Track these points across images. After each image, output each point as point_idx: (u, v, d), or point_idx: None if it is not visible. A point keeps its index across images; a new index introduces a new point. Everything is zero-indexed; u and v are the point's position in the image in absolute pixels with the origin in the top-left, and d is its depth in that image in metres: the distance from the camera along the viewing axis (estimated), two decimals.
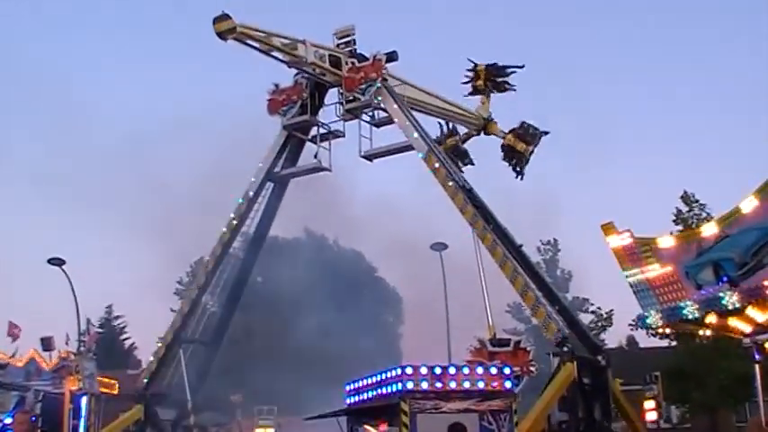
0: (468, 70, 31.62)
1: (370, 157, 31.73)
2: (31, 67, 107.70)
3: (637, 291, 18.60)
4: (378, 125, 31.55)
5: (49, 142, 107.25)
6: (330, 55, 30.89)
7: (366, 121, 31.65)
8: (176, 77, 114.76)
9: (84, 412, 28.84)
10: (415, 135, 29.35)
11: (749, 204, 16.57)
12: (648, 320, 18.33)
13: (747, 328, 17.35)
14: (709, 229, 17.47)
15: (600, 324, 41.68)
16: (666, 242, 18.54)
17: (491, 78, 31.79)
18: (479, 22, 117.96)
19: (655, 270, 18.15)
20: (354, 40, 31.59)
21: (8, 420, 24.25)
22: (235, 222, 32.29)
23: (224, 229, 32.25)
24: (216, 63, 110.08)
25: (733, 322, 17.15)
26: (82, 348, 32.76)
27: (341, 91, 31.30)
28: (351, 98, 30.98)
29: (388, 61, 30.78)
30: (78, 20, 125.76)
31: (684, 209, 38.26)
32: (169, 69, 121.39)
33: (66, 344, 30.69)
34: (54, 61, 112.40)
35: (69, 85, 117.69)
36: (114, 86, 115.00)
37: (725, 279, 16.10)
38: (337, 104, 31.87)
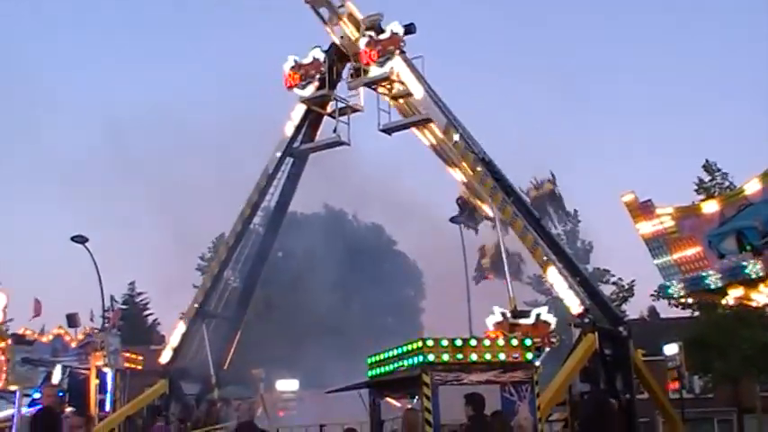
0: None
1: (388, 130, 31.63)
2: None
3: (659, 263, 18.48)
4: (396, 98, 31.43)
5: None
6: None
7: (384, 94, 31.55)
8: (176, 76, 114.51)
9: (109, 387, 29.06)
10: (434, 107, 29.24)
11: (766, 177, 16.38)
12: (670, 291, 18.22)
13: (762, 301, 17.24)
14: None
15: (621, 295, 41.54)
16: (688, 211, 18.40)
17: None
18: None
19: (677, 240, 18.02)
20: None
21: (37, 395, 24.46)
22: (255, 198, 32.36)
23: (244, 205, 32.35)
24: (214, 62, 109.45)
25: (755, 292, 17.03)
26: (106, 325, 32.92)
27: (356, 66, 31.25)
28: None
29: (406, 34, 30.60)
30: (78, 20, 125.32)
31: (707, 178, 37.92)
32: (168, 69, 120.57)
33: (91, 320, 30.97)
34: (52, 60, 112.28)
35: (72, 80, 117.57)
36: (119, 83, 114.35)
37: (748, 248, 15.98)
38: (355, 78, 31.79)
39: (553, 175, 31.73)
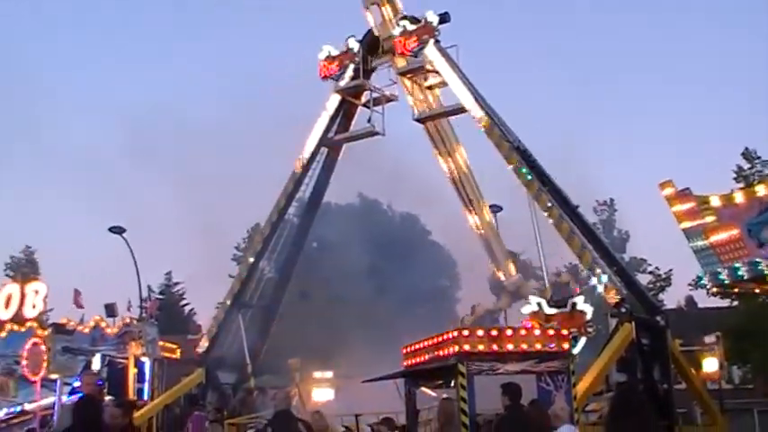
0: None
1: (423, 120, 31.59)
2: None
3: (697, 250, 18.31)
4: (431, 87, 31.37)
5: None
6: None
7: (419, 84, 31.51)
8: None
9: (147, 376, 29.25)
10: (469, 96, 29.11)
11: None
12: (702, 281, 18.08)
13: None
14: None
15: (658, 284, 41.26)
16: (727, 200, 18.20)
17: None
18: None
19: (715, 228, 17.85)
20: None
21: (77, 384, 24.68)
22: (290, 188, 32.42)
23: (279, 195, 32.43)
24: (218, 58, 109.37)
25: None
26: (144, 314, 33.14)
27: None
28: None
29: (440, 23, 30.50)
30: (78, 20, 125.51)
31: (746, 166, 37.50)
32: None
33: (129, 310, 31.26)
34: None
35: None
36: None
37: None
38: (390, 68, 31.78)
39: None
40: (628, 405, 11.10)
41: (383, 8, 31.88)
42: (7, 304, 28.11)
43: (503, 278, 32.32)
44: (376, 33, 31.89)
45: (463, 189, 32.53)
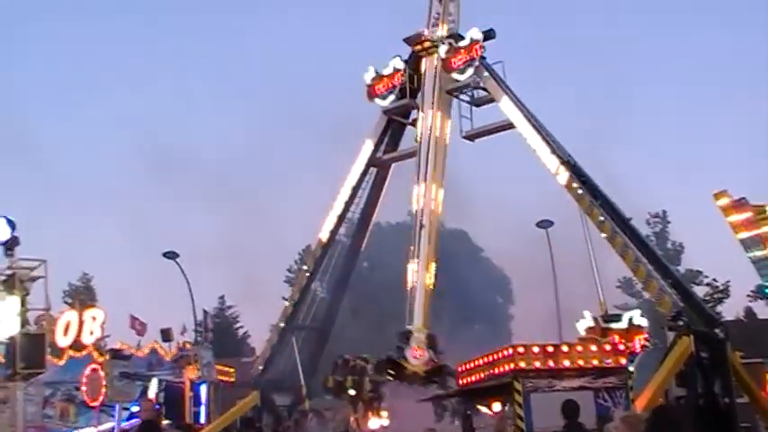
0: None
1: (471, 137, 31.48)
2: None
3: (755, 260, 18.04)
4: (478, 104, 31.25)
5: None
6: None
7: (466, 102, 31.39)
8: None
9: (203, 399, 29.36)
10: (517, 112, 28.95)
11: None
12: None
13: None
14: None
15: (715, 296, 40.65)
16: None
17: None
18: None
19: None
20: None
21: (135, 408, 24.86)
22: (340, 209, 32.50)
23: (329, 217, 32.51)
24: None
25: None
26: (199, 339, 33.32)
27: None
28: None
29: (485, 39, 30.41)
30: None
31: None
32: None
33: (183, 334, 31.38)
34: None
35: None
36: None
37: None
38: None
39: None
40: (662, 424, 10.92)
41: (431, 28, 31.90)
42: (66, 331, 28.40)
43: None
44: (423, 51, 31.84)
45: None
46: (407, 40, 32.26)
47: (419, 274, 28.41)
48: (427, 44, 31.74)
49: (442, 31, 31.52)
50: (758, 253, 17.54)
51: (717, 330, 24.11)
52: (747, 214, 17.72)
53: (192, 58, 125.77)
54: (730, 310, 42.23)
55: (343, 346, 36.08)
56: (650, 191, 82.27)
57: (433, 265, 29.00)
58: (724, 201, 18.50)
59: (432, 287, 28.98)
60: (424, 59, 31.88)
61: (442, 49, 30.91)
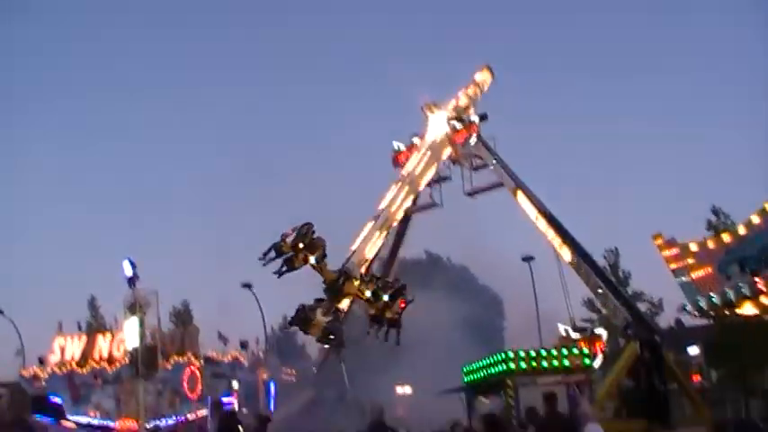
0: None
1: (472, 193, 32.27)
2: None
3: (681, 284, 18.70)
4: (476, 169, 32.07)
5: None
6: None
7: (467, 167, 32.31)
8: None
9: (273, 394, 30.03)
10: (504, 174, 29.81)
11: (758, 216, 16.59)
12: (700, 304, 18.41)
13: (760, 310, 17.32)
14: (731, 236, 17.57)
15: (653, 311, 40.90)
16: (702, 246, 18.61)
17: None
18: None
19: (694, 267, 18.25)
20: None
21: (225, 399, 25.71)
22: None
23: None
24: None
25: (750, 306, 17.14)
26: (268, 348, 33.99)
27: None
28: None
29: (481, 120, 31.34)
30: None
31: (714, 219, 37.89)
32: None
33: (257, 344, 31.98)
34: None
35: None
36: None
37: (747, 270, 16.19)
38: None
39: None
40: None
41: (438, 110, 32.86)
42: (172, 342, 29.18)
43: None
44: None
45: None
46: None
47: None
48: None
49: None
50: (684, 279, 18.23)
51: (656, 337, 24.59)
52: (676, 250, 18.45)
53: None
54: (664, 321, 42.56)
55: (376, 356, 36.73)
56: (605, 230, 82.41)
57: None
58: (659, 241, 19.24)
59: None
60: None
61: (449, 128, 31.96)
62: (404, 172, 32.35)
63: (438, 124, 32.66)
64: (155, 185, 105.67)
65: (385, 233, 31.55)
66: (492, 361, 21.84)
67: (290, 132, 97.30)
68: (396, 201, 29.43)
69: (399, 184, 30.75)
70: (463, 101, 32.74)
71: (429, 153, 32.35)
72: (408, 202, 31.57)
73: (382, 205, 27.35)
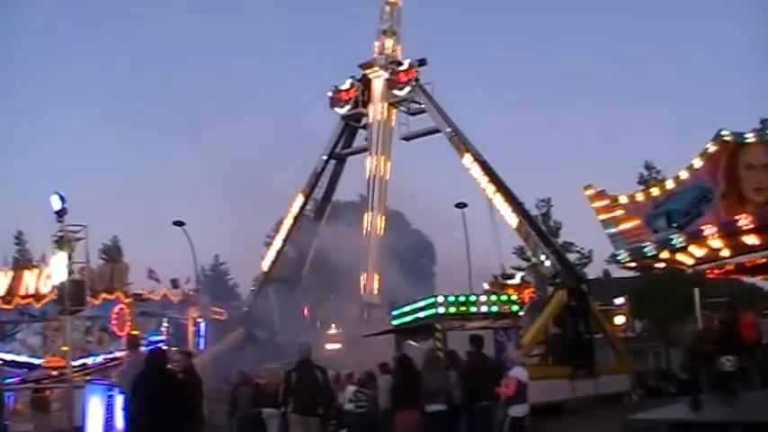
0: None
1: (408, 138, 32.28)
2: None
3: (610, 235, 18.89)
4: (413, 114, 32.03)
5: None
6: None
7: (404, 112, 32.20)
8: None
9: (203, 333, 29.91)
10: (441, 120, 29.84)
11: (687, 172, 16.75)
12: (619, 257, 18.64)
13: (690, 261, 17.61)
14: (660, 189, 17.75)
15: (583, 261, 41.69)
16: (631, 198, 18.79)
17: None
18: None
19: (623, 219, 18.43)
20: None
21: (155, 337, 25.49)
22: (307, 190, 33.28)
23: (299, 195, 33.24)
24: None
25: (679, 257, 17.42)
26: (199, 286, 33.63)
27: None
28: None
29: (420, 65, 31.30)
30: None
31: (645, 173, 38.62)
32: None
33: (187, 283, 31.71)
34: None
35: None
36: None
37: (674, 224, 16.42)
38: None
39: None
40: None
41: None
42: (101, 278, 28.67)
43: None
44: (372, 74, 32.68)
45: (372, 192, 32.57)
46: (362, 66, 32.99)
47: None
48: (376, 68, 32.55)
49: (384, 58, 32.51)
50: (612, 230, 18.38)
51: (583, 286, 25.12)
52: (605, 201, 18.54)
53: None
54: (593, 271, 43.47)
55: (307, 294, 36.73)
56: (539, 180, 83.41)
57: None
58: (590, 191, 19.31)
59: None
60: (373, 80, 32.72)
61: (388, 72, 31.88)
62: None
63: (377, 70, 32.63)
64: (82, 121, 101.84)
65: None
66: (421, 305, 21.90)
67: (217, 74, 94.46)
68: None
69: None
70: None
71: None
72: None
73: None
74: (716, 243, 16.17)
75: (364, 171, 32.40)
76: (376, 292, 30.65)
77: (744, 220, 14.93)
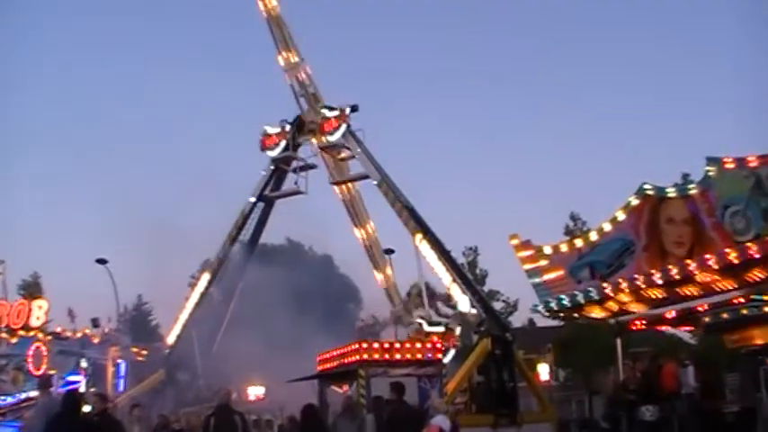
0: None
1: (338, 183, 32.26)
2: None
3: (535, 285, 19.15)
4: (343, 159, 32.06)
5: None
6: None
7: (334, 157, 32.23)
8: None
9: (122, 373, 29.17)
10: (371, 166, 29.91)
11: (610, 224, 17.16)
12: (538, 308, 18.88)
13: (606, 314, 17.94)
14: (584, 241, 18.13)
15: (508, 310, 42.12)
16: (555, 249, 19.11)
17: None
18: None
19: (547, 269, 18.71)
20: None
21: (71, 378, 24.67)
22: (234, 232, 32.83)
23: (225, 238, 32.77)
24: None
25: (599, 309, 17.76)
26: (120, 327, 32.82)
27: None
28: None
29: (351, 111, 31.37)
30: None
31: (571, 224, 39.39)
32: None
33: (108, 322, 31.03)
34: None
35: None
36: None
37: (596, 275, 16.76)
38: (313, 144, 32.40)
39: None
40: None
41: (310, 98, 32.65)
42: (18, 316, 27.86)
43: (393, 307, 33.16)
44: (304, 118, 32.60)
45: (371, 251, 33.36)
46: (297, 118, 32.74)
47: None
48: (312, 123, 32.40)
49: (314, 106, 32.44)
50: (537, 280, 18.67)
51: (507, 334, 25.23)
52: (530, 252, 18.85)
53: None
54: (518, 320, 43.91)
55: (231, 338, 35.99)
56: (469, 228, 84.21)
57: None
58: (515, 241, 19.59)
59: None
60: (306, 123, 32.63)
61: (319, 117, 31.76)
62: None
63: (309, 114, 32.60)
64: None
65: None
66: (346, 350, 21.63)
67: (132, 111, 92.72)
68: None
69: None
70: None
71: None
72: None
73: None
74: (624, 297, 16.52)
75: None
76: None
77: (656, 276, 15.28)
